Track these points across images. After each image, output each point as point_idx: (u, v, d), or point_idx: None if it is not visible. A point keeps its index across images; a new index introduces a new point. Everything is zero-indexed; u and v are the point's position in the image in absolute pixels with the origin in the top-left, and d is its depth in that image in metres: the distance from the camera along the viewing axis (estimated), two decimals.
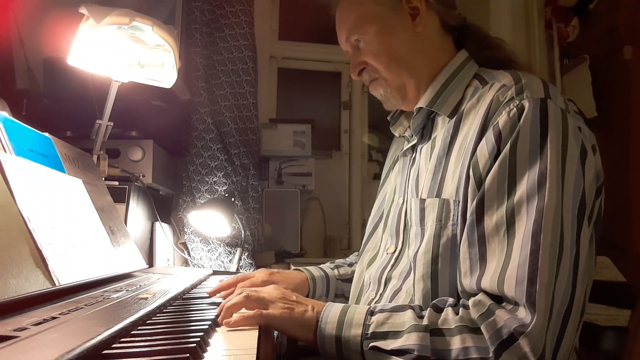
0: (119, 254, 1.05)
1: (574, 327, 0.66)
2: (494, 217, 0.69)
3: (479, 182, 0.72)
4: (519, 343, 0.62)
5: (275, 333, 0.91)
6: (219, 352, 0.58)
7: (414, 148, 0.94)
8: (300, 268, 1.13)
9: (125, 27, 1.13)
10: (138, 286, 0.92)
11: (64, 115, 1.46)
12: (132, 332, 0.60)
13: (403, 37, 0.89)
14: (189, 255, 1.78)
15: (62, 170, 1.00)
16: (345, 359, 0.71)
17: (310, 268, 1.13)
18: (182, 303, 0.86)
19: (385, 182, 1.08)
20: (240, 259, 1.74)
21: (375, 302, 0.88)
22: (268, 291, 0.77)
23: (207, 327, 0.64)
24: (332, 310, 0.73)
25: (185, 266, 1.78)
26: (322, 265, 1.17)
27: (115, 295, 0.79)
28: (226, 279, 1.04)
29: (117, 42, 1.19)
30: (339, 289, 1.13)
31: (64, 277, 0.75)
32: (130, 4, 1.42)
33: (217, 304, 0.79)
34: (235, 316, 0.70)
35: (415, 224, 0.83)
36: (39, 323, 0.57)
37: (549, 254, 0.64)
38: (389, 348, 0.67)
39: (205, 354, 0.55)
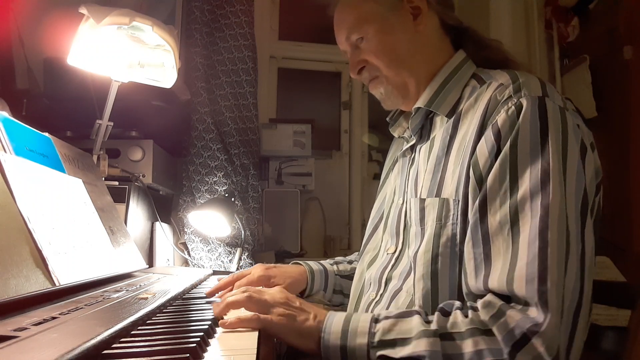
0: (119, 254, 1.05)
1: (584, 325, 0.66)
2: (497, 216, 0.69)
3: (480, 181, 0.72)
4: (533, 343, 0.61)
5: None
6: (219, 352, 0.58)
7: (412, 148, 0.94)
8: (300, 261, 1.13)
9: (125, 27, 1.13)
10: (138, 286, 0.92)
11: (64, 115, 1.46)
12: (132, 332, 0.60)
13: (404, 36, 0.89)
14: (189, 255, 1.78)
15: (62, 170, 1.00)
16: None
17: (309, 262, 1.14)
18: (182, 303, 0.86)
19: (385, 182, 1.08)
20: (240, 259, 1.74)
21: (376, 303, 0.88)
22: (272, 294, 0.75)
23: (207, 327, 0.64)
24: (335, 320, 0.71)
25: (185, 266, 1.78)
26: (321, 261, 1.17)
27: (115, 295, 0.79)
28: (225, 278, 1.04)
29: (117, 42, 1.19)
30: (337, 285, 1.13)
31: (64, 277, 0.75)
32: (130, 4, 1.42)
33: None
34: (232, 318, 0.68)
35: (415, 224, 0.83)
36: (39, 323, 0.57)
37: (557, 251, 0.64)
38: (397, 356, 0.65)
39: (205, 354, 0.55)
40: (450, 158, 0.80)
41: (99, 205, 1.07)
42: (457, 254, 0.75)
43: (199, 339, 0.57)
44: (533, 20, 2.21)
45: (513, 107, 0.72)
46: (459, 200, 0.76)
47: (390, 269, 0.88)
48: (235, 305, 0.72)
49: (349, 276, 1.13)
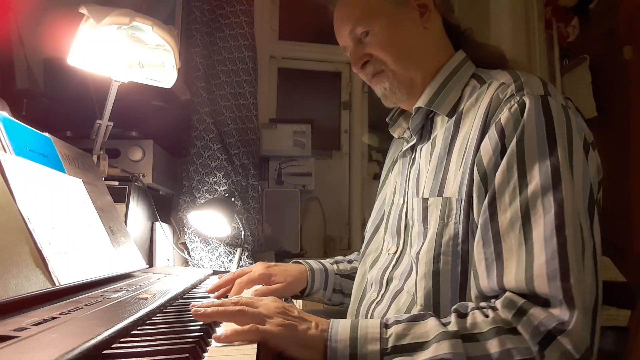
0: (119, 254, 1.05)
1: (599, 322, 0.65)
2: (507, 213, 0.68)
3: (484, 179, 0.72)
4: (560, 341, 0.59)
5: None
6: (219, 352, 0.58)
7: (413, 148, 0.94)
8: (300, 260, 1.13)
9: (125, 27, 1.13)
10: (138, 286, 0.92)
11: (64, 115, 1.46)
12: (132, 332, 0.60)
13: (411, 31, 0.89)
14: (189, 255, 1.78)
15: (62, 170, 1.00)
16: None
17: (310, 261, 1.13)
18: (182, 303, 0.86)
19: (385, 183, 1.08)
20: (240, 259, 1.74)
21: (377, 303, 0.88)
22: (265, 304, 0.69)
23: (207, 327, 0.64)
24: (340, 327, 0.66)
25: (185, 266, 1.78)
26: (321, 260, 1.17)
27: (115, 295, 0.79)
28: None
29: (117, 42, 1.19)
30: (337, 284, 1.13)
31: (64, 277, 0.75)
32: (130, 4, 1.42)
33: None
34: (228, 330, 0.62)
35: (418, 224, 0.83)
36: (39, 323, 0.57)
37: (574, 248, 0.63)
38: None
39: (205, 354, 0.55)
40: (452, 157, 0.80)
41: (99, 205, 1.07)
42: (459, 253, 0.75)
43: (198, 339, 0.57)
44: (533, 20, 2.21)
45: (516, 105, 0.72)
46: (461, 199, 0.75)
47: (392, 269, 0.88)
48: (223, 316, 0.66)
49: (349, 275, 1.13)
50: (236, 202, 1.77)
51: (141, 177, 1.45)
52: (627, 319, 0.90)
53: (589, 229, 0.67)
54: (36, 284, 0.69)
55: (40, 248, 0.73)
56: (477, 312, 0.65)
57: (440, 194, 0.80)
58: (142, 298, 0.79)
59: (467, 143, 0.78)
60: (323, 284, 1.11)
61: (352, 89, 2.36)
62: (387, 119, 1.04)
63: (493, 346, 0.61)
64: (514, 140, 0.70)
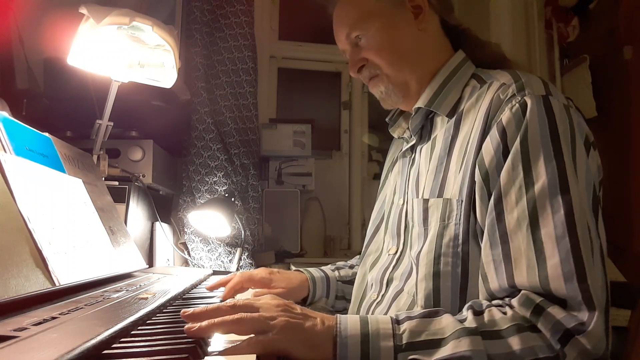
0: (119, 254, 1.05)
1: (610, 322, 0.65)
2: (514, 213, 0.68)
3: (486, 179, 0.72)
4: (579, 340, 0.59)
5: None
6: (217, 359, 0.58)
7: (413, 148, 0.94)
8: (301, 269, 1.13)
9: (125, 27, 1.13)
10: (138, 286, 0.92)
11: (64, 115, 1.46)
12: (132, 332, 0.60)
13: (405, 34, 0.89)
14: (189, 255, 1.78)
15: (62, 170, 1.00)
16: None
17: (310, 269, 1.13)
18: (182, 303, 0.86)
19: (385, 183, 1.08)
20: (240, 259, 1.74)
21: (377, 304, 0.88)
22: (264, 303, 0.64)
23: None
24: (349, 323, 0.63)
25: (185, 266, 1.78)
26: (322, 267, 1.16)
27: (115, 295, 0.79)
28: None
29: (117, 42, 1.19)
30: (339, 291, 1.13)
31: (64, 277, 0.75)
32: (130, 4, 1.42)
33: (219, 301, 0.79)
34: (226, 349, 0.57)
35: (418, 225, 0.82)
36: (39, 323, 0.57)
37: (586, 247, 0.63)
38: (433, 359, 0.60)
39: (204, 354, 0.55)
40: (453, 158, 0.80)
41: (99, 205, 1.07)
42: (459, 254, 0.75)
43: (198, 339, 0.57)
44: (533, 20, 2.21)
45: (517, 105, 0.72)
46: (462, 201, 0.75)
47: (392, 270, 0.88)
48: (220, 327, 0.59)
49: (351, 281, 1.12)
50: (236, 202, 1.77)
51: (141, 177, 1.45)
52: (627, 319, 0.90)
53: (595, 228, 0.67)
54: (36, 284, 0.69)
55: (40, 248, 0.73)
56: (494, 309, 0.64)
57: (440, 194, 0.80)
58: (142, 298, 0.79)
59: (468, 144, 0.77)
60: (325, 291, 1.10)
61: (352, 89, 2.36)
62: (387, 119, 1.04)
63: (515, 343, 0.60)
64: (518, 140, 0.69)
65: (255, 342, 0.58)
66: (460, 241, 0.75)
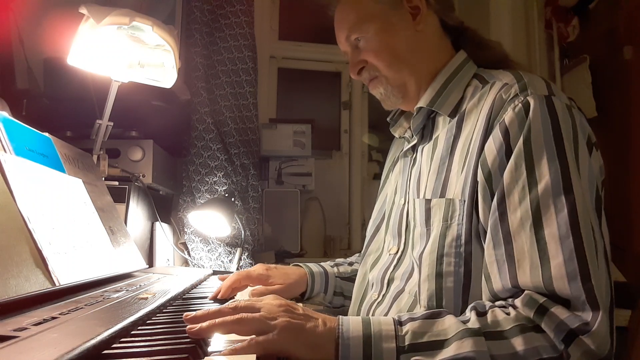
0: (119, 254, 1.05)
1: (614, 322, 0.65)
2: (517, 212, 0.67)
3: (489, 179, 0.72)
4: (583, 340, 0.59)
5: None
6: None
7: (414, 148, 0.94)
8: (300, 264, 1.13)
9: (125, 27, 1.13)
10: (138, 286, 0.92)
11: (64, 115, 1.46)
12: (132, 332, 0.60)
13: (404, 35, 0.89)
14: (189, 255, 1.78)
15: (62, 170, 1.00)
16: None
17: (310, 264, 1.13)
18: (182, 303, 0.86)
19: (386, 183, 1.08)
20: (240, 259, 1.74)
21: (378, 303, 0.88)
22: (267, 303, 0.64)
23: None
24: (351, 324, 0.63)
25: (185, 266, 1.78)
26: (321, 263, 1.16)
27: (115, 295, 0.79)
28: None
29: (117, 42, 1.19)
30: (338, 287, 1.13)
31: (64, 277, 0.75)
32: (130, 4, 1.42)
33: (219, 303, 0.79)
34: (225, 350, 0.56)
35: (420, 225, 0.82)
36: (39, 323, 0.57)
37: (590, 247, 0.63)
38: None
39: (204, 354, 0.55)
40: (455, 158, 0.80)
41: (99, 205, 1.07)
42: (461, 254, 0.75)
43: (198, 339, 0.57)
44: (533, 20, 2.21)
45: (520, 105, 0.71)
46: (464, 201, 0.75)
47: (393, 270, 0.88)
48: (221, 327, 0.59)
49: (350, 278, 1.13)
50: (236, 202, 1.77)
51: (141, 177, 1.45)
52: (627, 319, 0.90)
53: (598, 228, 0.67)
54: (36, 284, 0.69)
55: (40, 248, 0.73)
56: (497, 310, 0.64)
57: (442, 195, 0.79)
58: (142, 298, 0.79)
59: (470, 144, 0.77)
60: (323, 287, 1.10)
61: (352, 89, 2.36)
62: (388, 119, 1.04)
63: (518, 344, 0.60)
64: (521, 140, 0.69)
65: (255, 343, 0.58)
66: (462, 241, 0.75)
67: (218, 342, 0.60)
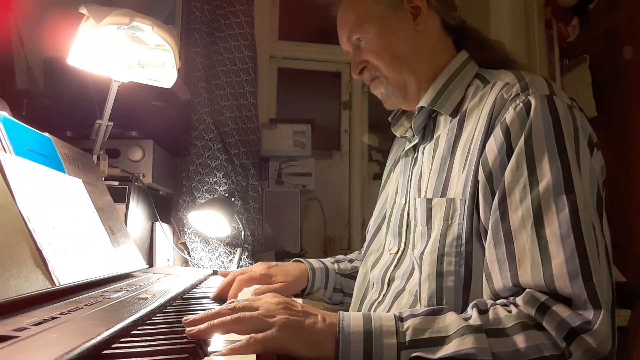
0: (119, 254, 1.05)
1: (615, 321, 0.65)
2: (519, 212, 0.67)
3: (490, 179, 0.72)
4: (584, 338, 0.59)
5: None
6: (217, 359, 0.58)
7: (415, 148, 0.94)
8: (301, 259, 1.13)
9: (125, 27, 1.13)
10: (138, 286, 0.92)
11: (64, 115, 1.46)
12: (132, 332, 0.60)
13: (404, 35, 0.89)
14: (189, 255, 1.78)
15: (62, 170, 1.00)
16: None
17: (311, 260, 1.13)
18: (182, 303, 0.86)
19: (387, 183, 1.08)
20: (240, 259, 1.74)
21: (378, 303, 0.88)
22: (265, 302, 0.64)
23: None
24: (352, 320, 0.62)
25: (185, 266, 1.78)
26: (322, 259, 1.17)
27: (115, 295, 0.79)
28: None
29: (117, 42, 1.19)
30: (338, 283, 1.13)
31: (64, 277, 0.75)
32: (130, 4, 1.42)
33: (219, 303, 0.79)
34: (225, 349, 0.56)
35: (421, 224, 0.82)
36: (39, 323, 0.57)
37: (591, 246, 0.63)
38: (436, 356, 0.59)
39: (204, 354, 0.55)
40: (456, 158, 0.80)
41: (99, 205, 1.07)
42: (462, 254, 0.75)
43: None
44: (533, 20, 2.21)
45: (521, 104, 0.71)
46: (465, 200, 0.75)
47: (393, 269, 0.88)
48: (220, 328, 0.60)
49: (350, 275, 1.13)
50: (236, 202, 1.77)
51: (141, 177, 1.45)
52: (627, 319, 0.90)
53: (600, 227, 0.67)
54: (36, 284, 0.69)
55: (40, 248, 0.73)
56: (498, 308, 0.64)
57: (443, 194, 0.80)
58: (142, 298, 0.79)
59: (471, 143, 0.77)
60: (324, 283, 1.11)
61: (352, 89, 2.36)
62: (389, 118, 1.04)
63: (520, 341, 0.60)
64: (522, 139, 0.69)
65: (254, 341, 0.57)
66: (463, 241, 0.75)
67: (218, 342, 0.60)
